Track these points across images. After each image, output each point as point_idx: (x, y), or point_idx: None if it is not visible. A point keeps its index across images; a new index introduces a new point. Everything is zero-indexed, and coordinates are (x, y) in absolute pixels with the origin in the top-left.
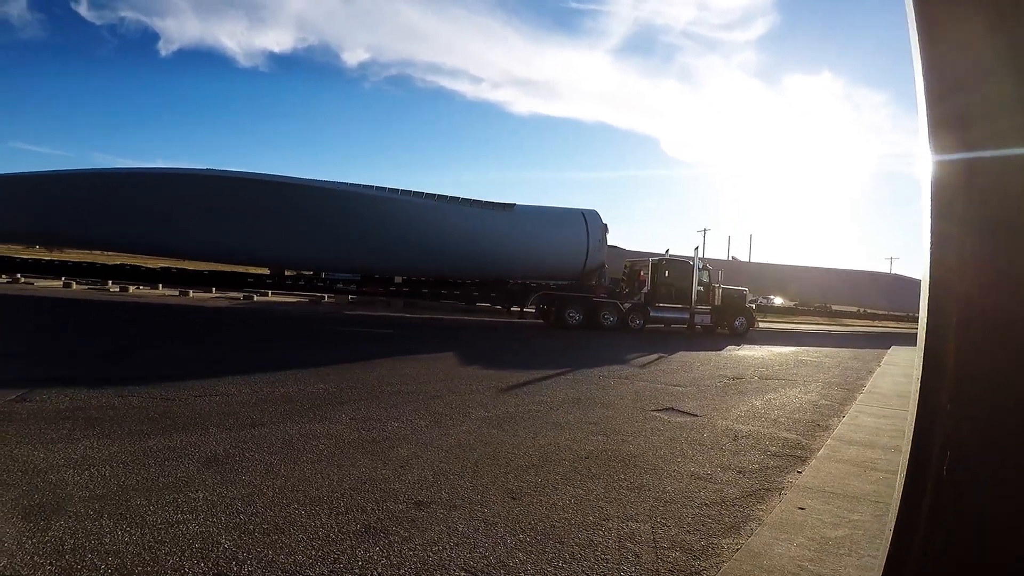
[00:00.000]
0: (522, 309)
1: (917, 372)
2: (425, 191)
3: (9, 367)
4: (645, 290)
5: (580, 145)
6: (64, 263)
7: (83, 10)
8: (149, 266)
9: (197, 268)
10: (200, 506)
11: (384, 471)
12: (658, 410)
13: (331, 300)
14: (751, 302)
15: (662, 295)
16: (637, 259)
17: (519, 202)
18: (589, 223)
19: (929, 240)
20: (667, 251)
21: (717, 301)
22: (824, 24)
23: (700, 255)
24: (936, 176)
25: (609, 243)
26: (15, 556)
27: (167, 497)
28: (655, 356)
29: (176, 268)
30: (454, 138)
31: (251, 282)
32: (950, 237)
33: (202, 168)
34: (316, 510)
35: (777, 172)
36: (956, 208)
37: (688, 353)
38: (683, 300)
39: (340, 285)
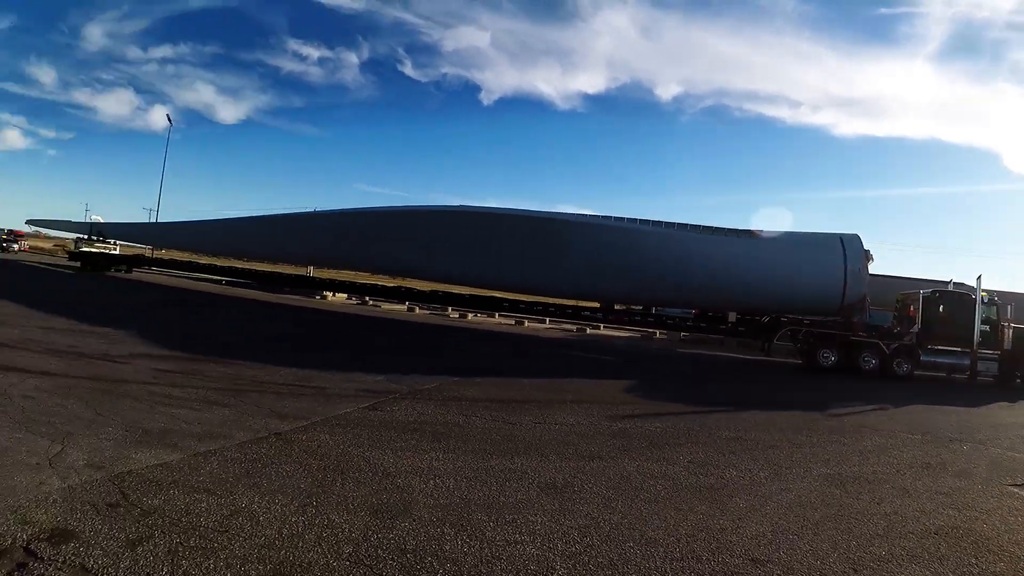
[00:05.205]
0: (768, 346)
1: None
2: (665, 221)
3: (364, 380)
4: (915, 329)
5: (913, 166)
6: (413, 290)
7: (408, 70)
8: (482, 295)
9: (522, 299)
10: (538, 530)
11: (721, 521)
12: (1016, 485)
13: (663, 336)
14: None
15: (936, 335)
16: (910, 291)
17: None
18: (847, 249)
19: None
20: (951, 282)
21: (1007, 344)
22: None
23: (983, 285)
24: None
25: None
26: (360, 546)
27: (507, 516)
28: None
29: (510, 299)
30: (776, 167)
31: (587, 315)
32: None
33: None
34: (651, 551)
35: None
36: None
37: None
38: (964, 343)
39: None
